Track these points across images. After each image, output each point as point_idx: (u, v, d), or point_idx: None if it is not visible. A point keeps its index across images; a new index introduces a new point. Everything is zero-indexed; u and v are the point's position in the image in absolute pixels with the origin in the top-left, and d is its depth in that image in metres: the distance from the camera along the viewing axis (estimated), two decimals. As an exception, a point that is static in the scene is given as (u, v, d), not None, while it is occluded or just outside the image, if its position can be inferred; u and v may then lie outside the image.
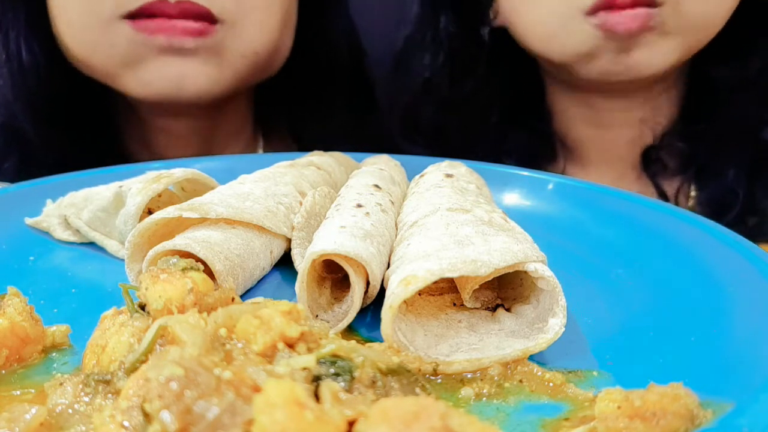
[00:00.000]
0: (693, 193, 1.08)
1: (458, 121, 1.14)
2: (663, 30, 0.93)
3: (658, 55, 0.96)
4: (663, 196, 1.08)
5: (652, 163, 1.09)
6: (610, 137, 1.10)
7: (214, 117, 1.09)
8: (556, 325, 0.48)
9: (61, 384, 0.41)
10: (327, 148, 0.85)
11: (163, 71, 0.95)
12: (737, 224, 1.01)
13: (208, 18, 0.93)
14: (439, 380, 0.46)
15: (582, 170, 1.13)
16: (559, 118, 1.13)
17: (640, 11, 0.91)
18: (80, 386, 0.40)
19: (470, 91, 1.12)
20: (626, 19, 0.91)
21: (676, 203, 1.06)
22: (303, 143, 1.19)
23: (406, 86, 1.15)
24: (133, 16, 0.92)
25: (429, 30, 1.12)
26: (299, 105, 1.19)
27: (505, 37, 1.06)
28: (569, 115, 1.12)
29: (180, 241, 0.55)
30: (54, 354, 0.49)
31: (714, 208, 1.03)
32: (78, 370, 0.45)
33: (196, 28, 0.93)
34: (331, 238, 0.53)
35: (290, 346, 0.38)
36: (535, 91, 1.14)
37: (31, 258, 0.66)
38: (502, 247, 0.50)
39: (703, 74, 1.05)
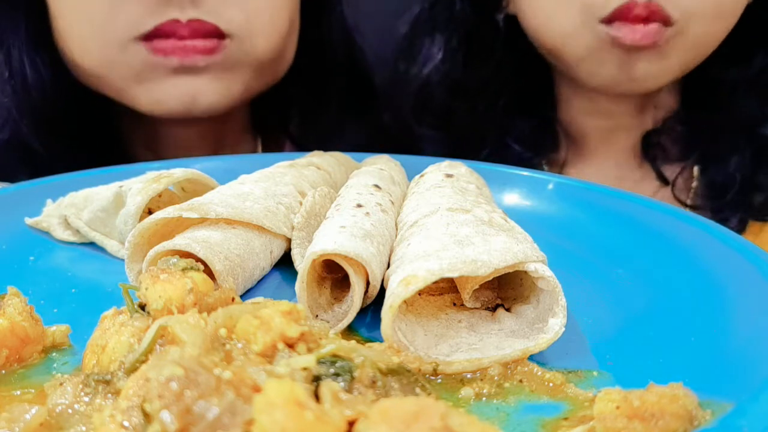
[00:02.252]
0: (695, 174, 1.09)
1: (467, 105, 1.15)
2: (666, 48, 0.95)
3: (660, 71, 0.98)
4: (663, 180, 1.09)
5: (652, 147, 1.10)
6: (611, 126, 1.11)
7: (222, 120, 1.10)
8: (556, 325, 0.48)
9: (61, 384, 0.41)
10: (326, 148, 0.85)
11: (175, 90, 0.96)
12: (742, 203, 1.03)
13: (218, 35, 0.94)
14: (439, 380, 0.46)
15: (583, 159, 1.15)
16: (564, 107, 1.15)
17: (652, 27, 0.92)
18: (80, 386, 0.40)
19: (483, 76, 1.13)
20: (636, 33, 0.92)
21: (675, 187, 1.08)
22: (300, 143, 1.19)
23: (415, 70, 1.15)
24: (147, 36, 0.92)
25: (443, 12, 1.12)
26: (296, 106, 1.19)
27: (519, 25, 1.07)
28: (573, 104, 1.13)
29: (180, 241, 0.55)
30: (54, 354, 0.49)
31: (716, 193, 1.05)
32: (78, 370, 0.45)
33: (207, 46, 0.93)
34: (331, 238, 0.53)
35: (290, 346, 0.38)
36: (544, 80, 1.15)
37: (31, 258, 0.66)
38: (502, 247, 0.50)
39: (704, 71, 1.06)
